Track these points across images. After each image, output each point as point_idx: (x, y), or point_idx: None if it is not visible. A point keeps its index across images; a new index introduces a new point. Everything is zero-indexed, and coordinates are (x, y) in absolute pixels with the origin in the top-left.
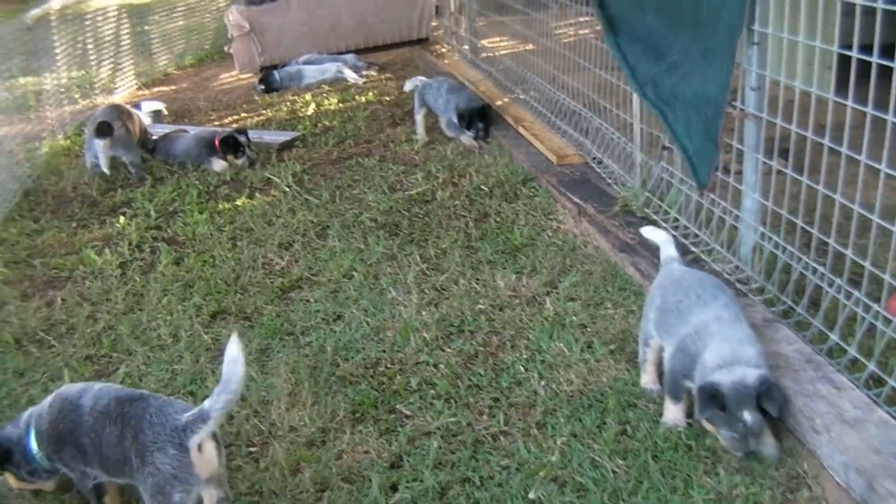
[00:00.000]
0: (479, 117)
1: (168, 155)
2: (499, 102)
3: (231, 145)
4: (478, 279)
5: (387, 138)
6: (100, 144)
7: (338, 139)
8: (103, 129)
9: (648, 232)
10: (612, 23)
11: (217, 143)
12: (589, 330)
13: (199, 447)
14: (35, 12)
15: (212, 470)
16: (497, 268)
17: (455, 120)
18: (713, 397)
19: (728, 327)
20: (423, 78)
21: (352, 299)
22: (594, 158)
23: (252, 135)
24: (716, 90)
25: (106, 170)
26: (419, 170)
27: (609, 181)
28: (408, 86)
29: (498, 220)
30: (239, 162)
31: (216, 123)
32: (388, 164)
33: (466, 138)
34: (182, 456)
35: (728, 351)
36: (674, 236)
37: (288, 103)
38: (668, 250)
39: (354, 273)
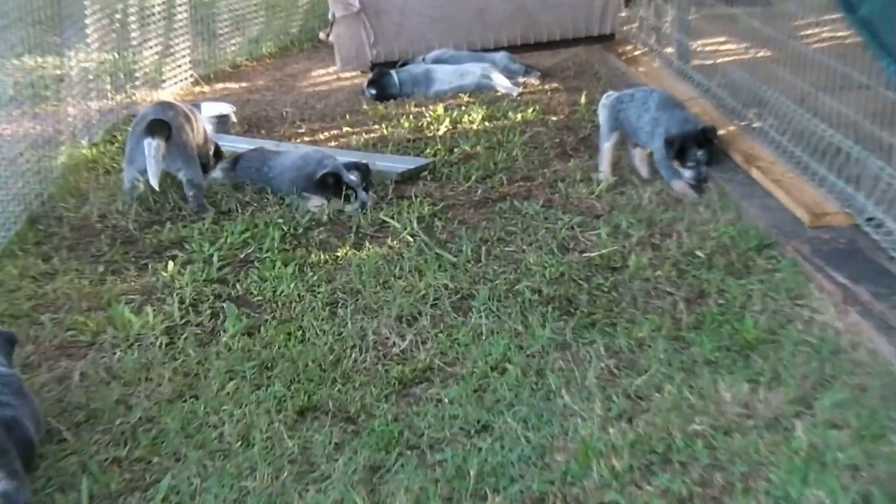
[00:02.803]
0: (699, 145)
1: (258, 178)
2: (721, 132)
3: (332, 186)
4: (691, 387)
5: (554, 175)
6: (152, 146)
7: (483, 172)
8: (157, 129)
9: None
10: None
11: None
12: (864, 475)
13: None
14: None
15: None
16: (720, 372)
17: (667, 152)
18: None
19: None
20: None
21: (504, 403)
22: (869, 219)
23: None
24: None
25: (155, 183)
26: (602, 223)
27: (892, 252)
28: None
29: (721, 302)
30: (348, 209)
31: (308, 140)
32: (557, 212)
33: (680, 184)
34: None
35: None
36: None
37: (411, 117)
38: None
39: (508, 365)
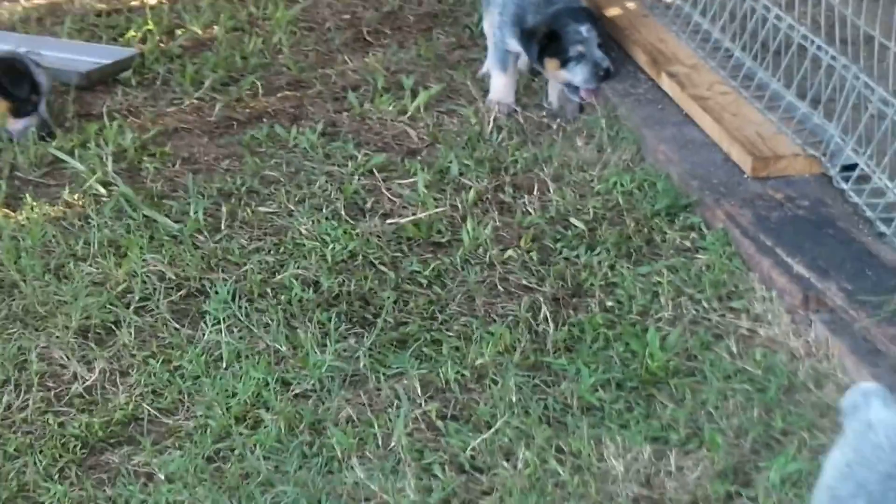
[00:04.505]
0: (581, 18)
1: None
2: (612, 13)
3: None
4: (560, 451)
5: (341, 79)
6: None
7: (225, 73)
8: None
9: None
10: None
11: None
12: None
13: None
14: None
15: None
16: (606, 425)
17: (511, 37)
18: None
19: None
20: None
21: (257, 481)
22: (846, 168)
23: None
24: None
25: None
26: (420, 165)
27: (880, 224)
28: None
29: (609, 304)
30: (17, 126)
31: None
32: (346, 146)
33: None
34: None
35: None
36: None
37: None
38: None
39: (263, 414)
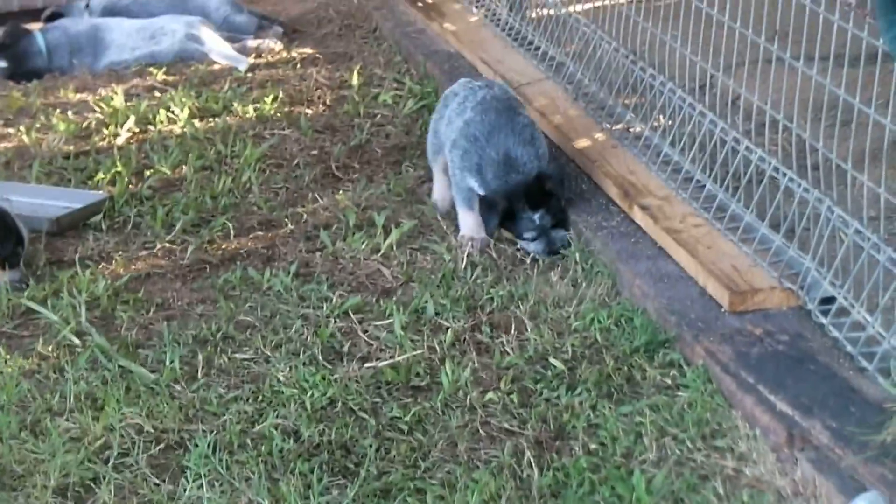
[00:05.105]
0: (534, 202)
1: None
2: (581, 144)
3: None
4: None
5: (313, 217)
6: None
7: (196, 215)
8: None
9: None
10: None
11: None
12: None
13: None
14: None
15: None
16: None
17: (472, 180)
18: None
19: None
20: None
21: None
22: (825, 301)
23: None
24: None
25: None
26: (395, 305)
27: (861, 359)
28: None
29: (592, 447)
30: (5, 278)
31: None
32: (320, 287)
33: (474, 228)
34: None
35: None
36: None
37: (69, 112)
38: None
39: None
